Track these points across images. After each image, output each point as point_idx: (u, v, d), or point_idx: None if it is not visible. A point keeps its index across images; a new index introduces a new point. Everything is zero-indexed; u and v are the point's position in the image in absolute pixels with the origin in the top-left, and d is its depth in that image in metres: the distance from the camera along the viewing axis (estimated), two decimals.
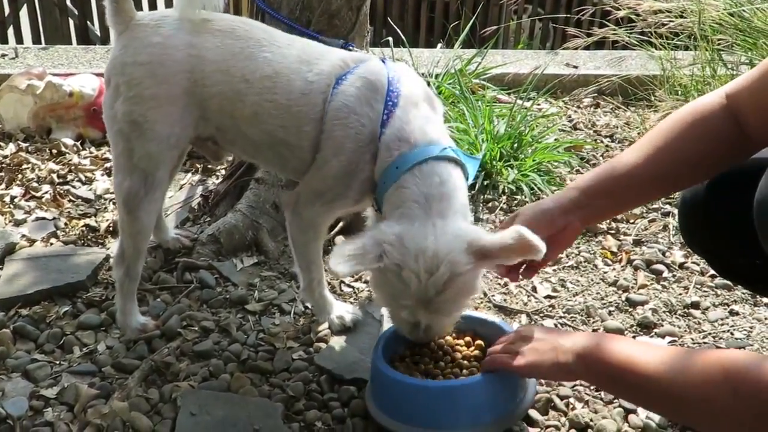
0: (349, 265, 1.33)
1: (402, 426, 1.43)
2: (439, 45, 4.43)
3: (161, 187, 1.68)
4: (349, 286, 2.04)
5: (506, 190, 2.55)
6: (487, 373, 1.44)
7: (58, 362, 1.68)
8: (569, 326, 1.89)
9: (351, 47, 1.73)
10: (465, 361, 1.54)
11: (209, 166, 2.67)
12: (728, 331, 1.88)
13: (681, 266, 2.19)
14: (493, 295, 2.00)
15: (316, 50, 1.64)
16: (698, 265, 2.18)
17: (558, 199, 1.45)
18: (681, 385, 1.08)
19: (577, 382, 1.63)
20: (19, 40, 5.36)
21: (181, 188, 2.56)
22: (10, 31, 5.37)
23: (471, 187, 2.52)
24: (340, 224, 2.21)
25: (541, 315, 1.94)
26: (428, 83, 3.18)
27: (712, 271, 2.12)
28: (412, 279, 1.36)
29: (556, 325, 1.89)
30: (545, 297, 2.02)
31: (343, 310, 1.80)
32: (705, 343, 1.83)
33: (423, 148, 1.48)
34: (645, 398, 1.19)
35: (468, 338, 1.61)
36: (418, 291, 1.37)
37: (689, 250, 2.24)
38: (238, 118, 1.60)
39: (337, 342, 1.76)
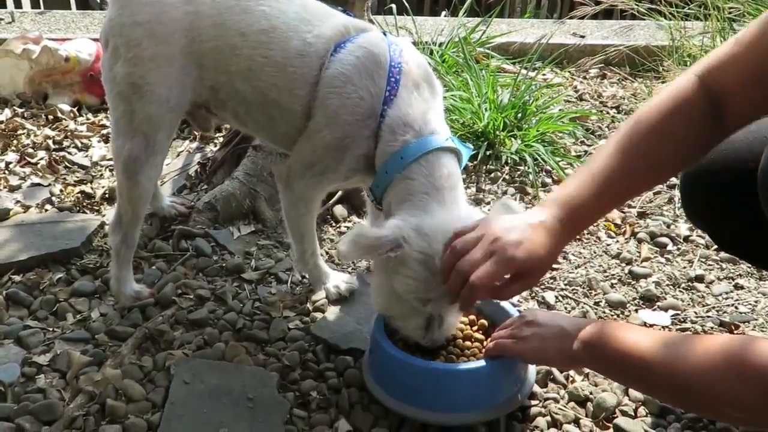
0: (356, 254, 1.31)
1: (400, 404, 1.41)
2: (444, 13, 4.35)
3: (162, 152, 1.64)
4: None
5: (509, 161, 2.51)
6: (490, 358, 1.40)
7: (51, 329, 1.66)
8: (570, 298, 1.86)
9: (349, 14, 1.68)
10: (467, 342, 1.51)
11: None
12: (733, 305, 1.85)
13: (686, 239, 2.15)
14: None
15: (317, 10, 1.59)
16: (703, 238, 2.14)
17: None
18: (685, 371, 1.05)
19: None
20: (18, 5, 5.28)
21: (178, 155, 2.52)
22: None
23: (473, 158, 2.48)
24: (339, 193, 2.17)
25: (542, 287, 1.91)
26: (432, 52, 3.13)
27: None
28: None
29: (557, 297, 1.86)
30: None
31: (339, 280, 1.78)
32: (708, 316, 1.80)
33: (427, 138, 1.45)
34: (649, 385, 1.16)
35: (472, 317, 1.58)
36: None
37: None
38: (233, 74, 1.55)
39: (334, 312, 1.73)
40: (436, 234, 1.34)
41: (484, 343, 1.49)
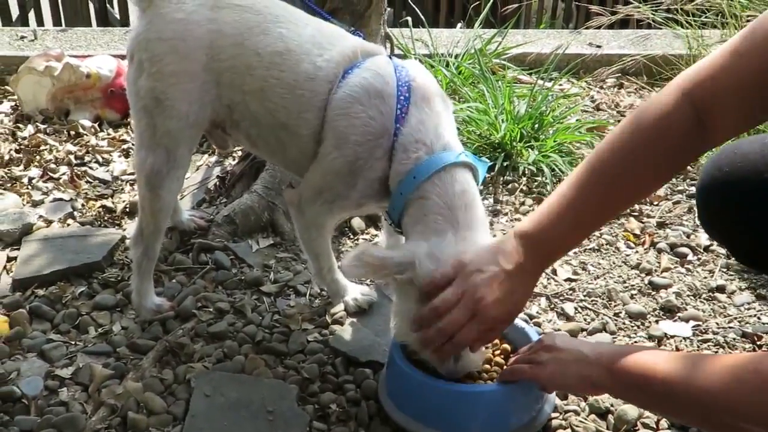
0: (358, 271, 1.32)
1: (408, 420, 1.40)
2: (459, 25, 4.37)
3: (183, 166, 1.67)
4: None
5: (526, 172, 2.51)
6: (505, 382, 1.39)
7: (73, 342, 1.68)
8: (590, 309, 1.85)
9: (359, 34, 1.69)
10: (486, 365, 1.49)
11: None
12: (755, 315, 1.83)
13: (706, 249, 2.13)
14: None
15: (330, 34, 1.60)
16: (724, 248, 2.12)
17: None
18: (709, 388, 1.03)
19: None
20: (40, 23, 5.37)
21: (197, 169, 2.54)
22: (31, 15, 5.39)
23: (491, 169, 2.48)
24: None
25: (561, 298, 1.90)
26: (447, 63, 3.14)
27: None
28: None
29: (576, 309, 1.85)
30: (565, 280, 1.98)
31: (357, 292, 1.78)
32: (730, 327, 1.78)
33: (439, 155, 1.44)
34: (673, 406, 1.13)
35: (496, 340, 1.55)
36: None
37: None
38: (247, 93, 1.57)
39: (353, 324, 1.74)
40: (448, 260, 1.32)
41: (504, 367, 1.47)
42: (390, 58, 1.58)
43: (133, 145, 2.37)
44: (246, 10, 1.57)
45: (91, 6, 5.52)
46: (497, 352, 1.54)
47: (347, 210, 1.64)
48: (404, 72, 1.52)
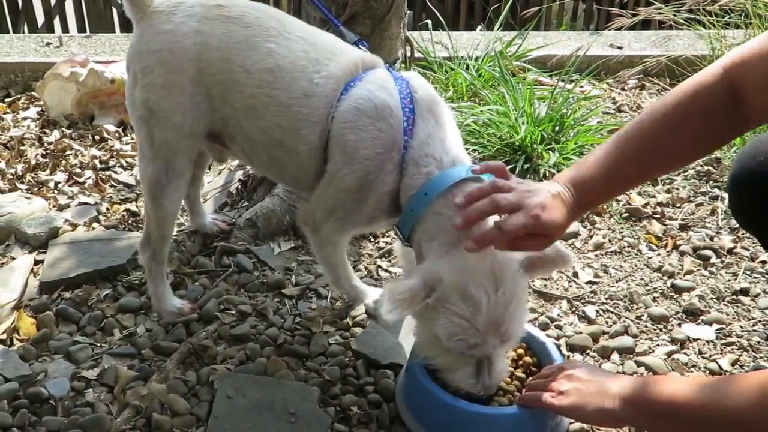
0: (397, 312, 1.28)
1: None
2: (479, 27, 4.36)
3: (184, 176, 1.66)
4: (386, 270, 2.03)
5: (547, 174, 2.49)
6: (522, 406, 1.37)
7: (98, 344, 1.71)
8: (612, 312, 1.84)
9: (363, 45, 1.69)
10: (507, 378, 1.47)
11: None
12: None
13: (730, 252, 2.11)
14: (532, 280, 1.96)
15: (327, 48, 1.56)
16: (748, 250, 2.10)
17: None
18: (739, 407, 1.02)
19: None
20: (65, 29, 5.46)
21: (219, 173, 2.57)
22: (56, 21, 5.48)
23: (511, 171, 2.48)
24: None
25: (583, 301, 1.89)
26: (468, 66, 3.14)
27: (763, 257, 2.04)
28: (482, 295, 1.28)
29: (598, 312, 1.84)
30: (587, 282, 1.97)
31: (377, 295, 1.78)
32: (755, 330, 1.76)
33: (450, 170, 1.42)
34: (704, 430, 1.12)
35: (521, 350, 1.55)
36: (489, 309, 1.28)
37: (739, 235, 2.16)
38: (238, 110, 1.55)
39: (373, 326, 1.75)
40: (474, 270, 1.30)
41: (526, 382, 1.46)
42: (389, 70, 1.56)
43: None
44: (234, 23, 1.54)
45: (114, 12, 5.59)
46: (519, 363, 1.53)
47: (359, 226, 1.62)
48: (405, 84, 1.51)
